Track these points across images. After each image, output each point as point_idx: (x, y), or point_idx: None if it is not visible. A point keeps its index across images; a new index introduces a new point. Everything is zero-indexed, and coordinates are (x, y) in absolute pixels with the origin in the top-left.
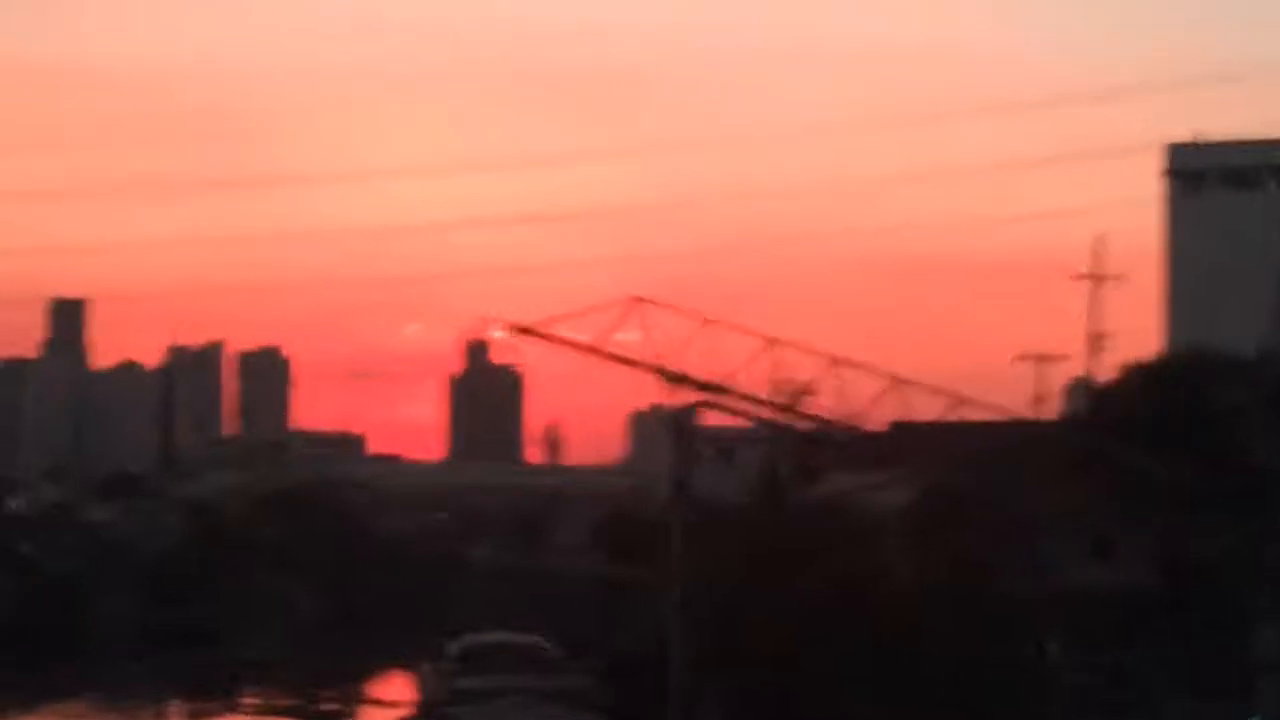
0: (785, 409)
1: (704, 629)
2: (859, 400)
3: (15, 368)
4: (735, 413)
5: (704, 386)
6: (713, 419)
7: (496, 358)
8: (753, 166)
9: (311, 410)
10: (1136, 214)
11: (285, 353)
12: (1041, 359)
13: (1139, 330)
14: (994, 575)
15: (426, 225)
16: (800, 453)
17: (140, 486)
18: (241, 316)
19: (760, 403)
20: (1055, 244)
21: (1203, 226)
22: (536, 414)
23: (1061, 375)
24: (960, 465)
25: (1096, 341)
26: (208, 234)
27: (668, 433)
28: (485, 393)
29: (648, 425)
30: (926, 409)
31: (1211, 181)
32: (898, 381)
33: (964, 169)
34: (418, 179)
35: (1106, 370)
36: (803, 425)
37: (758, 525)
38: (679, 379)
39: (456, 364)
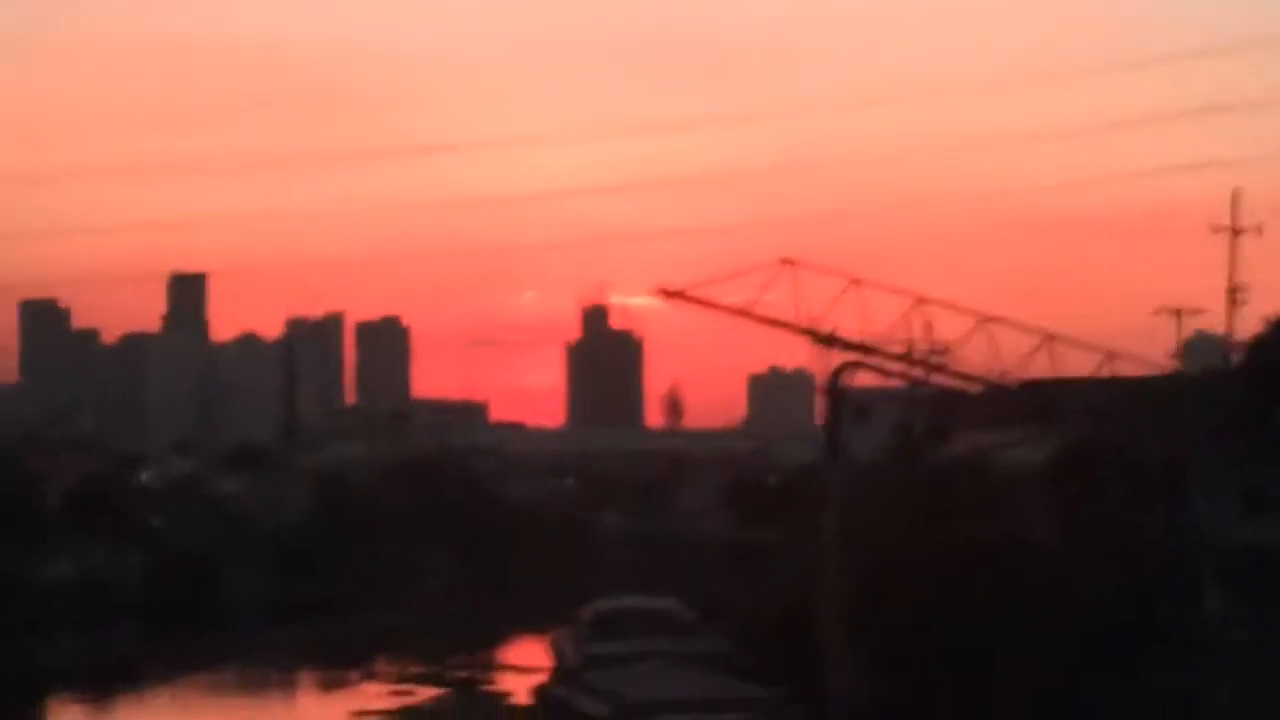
0: (935, 367)
1: (846, 590)
2: (1009, 357)
3: (138, 342)
4: (885, 372)
5: (854, 346)
6: (856, 378)
7: (616, 323)
8: (880, 127)
9: (432, 379)
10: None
11: (405, 322)
12: (1180, 313)
13: (1262, 285)
14: (1144, 531)
15: (544, 193)
16: (935, 410)
17: (266, 458)
18: (360, 287)
19: (910, 361)
20: (1192, 198)
21: None
22: (655, 379)
23: (1201, 329)
24: (1101, 420)
25: (1234, 294)
26: (324, 207)
27: (821, 394)
28: (605, 358)
29: (767, 388)
30: (1077, 365)
31: None
32: (1048, 337)
33: (1097, 125)
34: (535, 147)
35: (1246, 324)
36: (952, 383)
37: (895, 485)
38: (830, 340)
39: (576, 330)
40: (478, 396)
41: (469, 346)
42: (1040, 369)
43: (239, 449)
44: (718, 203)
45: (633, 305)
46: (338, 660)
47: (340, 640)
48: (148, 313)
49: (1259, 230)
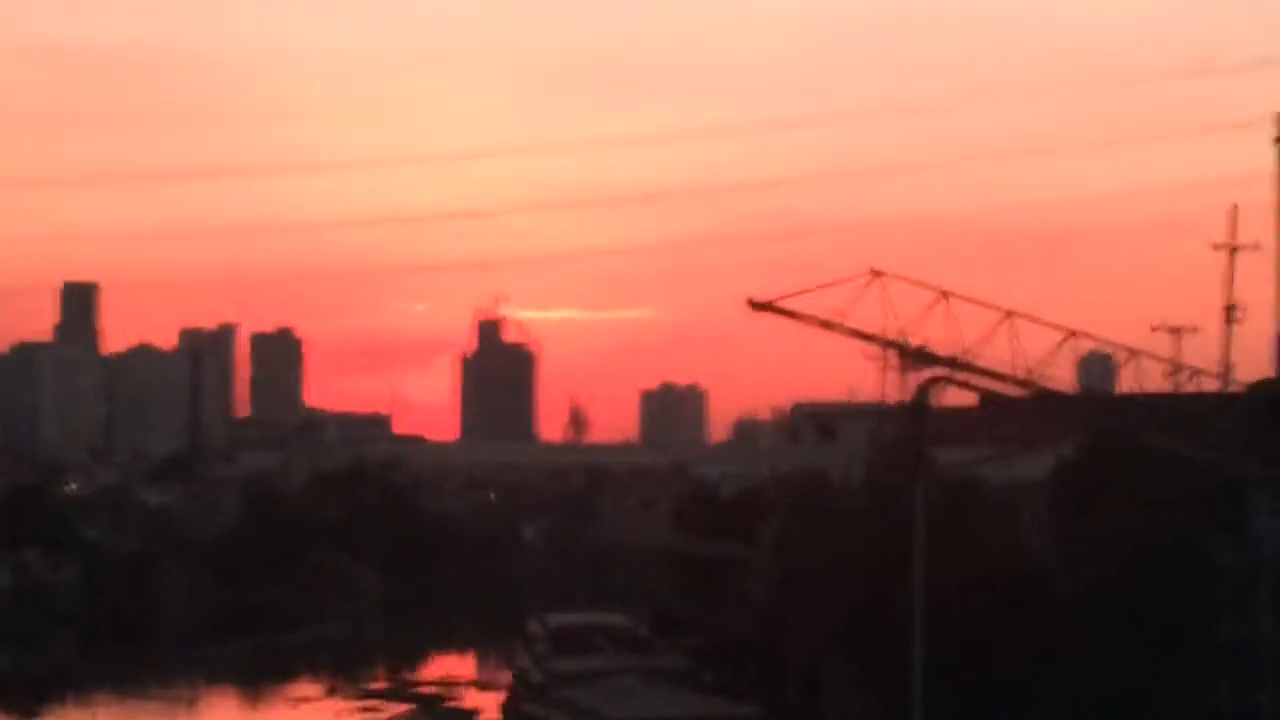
0: (1024, 383)
1: (826, 612)
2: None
3: (31, 351)
4: (971, 388)
5: (943, 361)
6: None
7: (510, 337)
8: (849, 143)
9: (327, 391)
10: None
11: (299, 334)
12: (1177, 330)
13: (1259, 303)
14: (1193, 544)
15: (441, 211)
16: (910, 427)
17: (189, 469)
18: (253, 301)
19: (999, 376)
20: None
21: None
22: (549, 393)
23: (1196, 347)
24: (1118, 431)
25: (1231, 312)
26: (217, 221)
27: (907, 412)
28: (498, 371)
29: (660, 403)
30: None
31: None
32: (1133, 354)
33: (1088, 142)
34: (435, 164)
35: (1238, 341)
36: (1035, 397)
37: (881, 506)
38: (916, 354)
39: (470, 343)
40: (378, 408)
41: (364, 358)
42: (1125, 384)
43: (165, 459)
44: (615, 222)
45: (527, 319)
46: (286, 674)
47: (281, 653)
48: (40, 324)
49: (1255, 248)
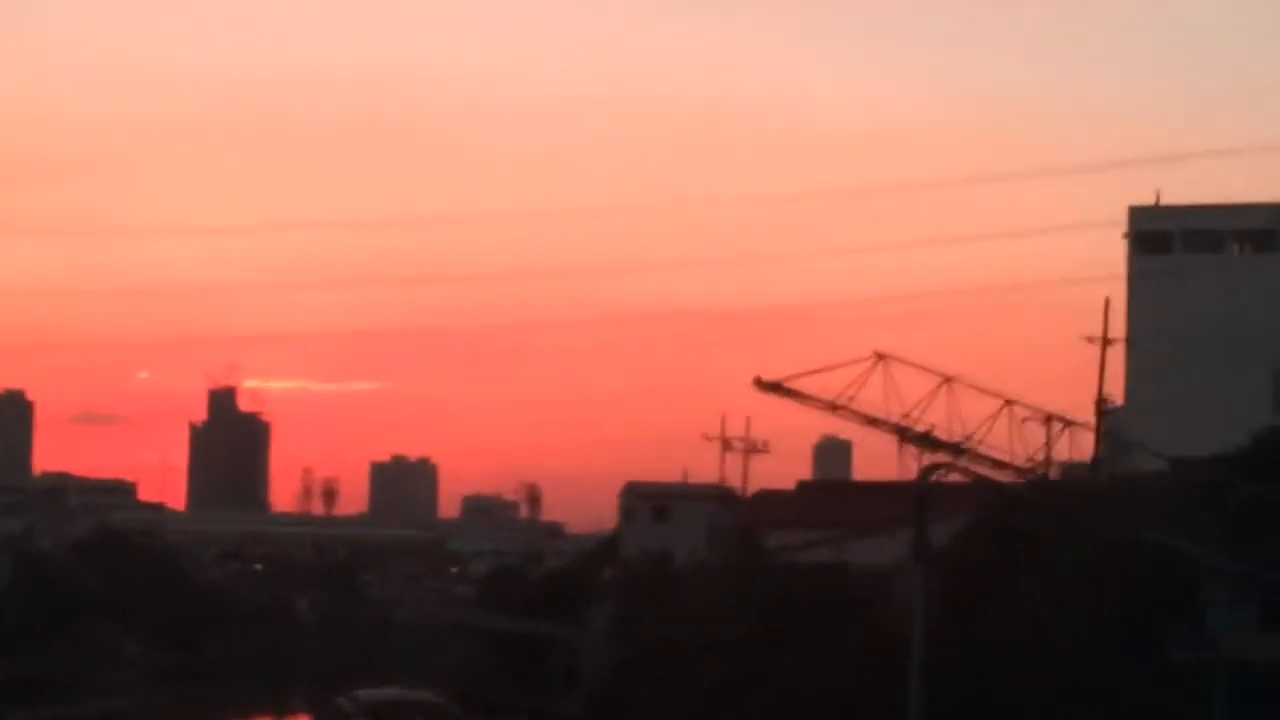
0: (1024, 470)
1: (680, 695)
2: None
3: None
4: (971, 474)
5: (945, 446)
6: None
7: (244, 406)
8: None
9: (53, 456)
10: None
11: (30, 397)
12: (1051, 419)
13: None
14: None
15: (181, 284)
16: (746, 510)
17: None
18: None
19: (999, 464)
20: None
21: (1161, 288)
22: (279, 463)
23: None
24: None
25: (1102, 404)
26: None
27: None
28: (231, 440)
29: (391, 475)
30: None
31: (1171, 245)
32: (1129, 445)
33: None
34: (179, 236)
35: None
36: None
37: (746, 587)
38: (923, 439)
39: (202, 412)
40: (111, 474)
41: (88, 423)
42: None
43: None
44: (351, 299)
45: (262, 389)
46: None
47: None
48: None
49: (1123, 342)
